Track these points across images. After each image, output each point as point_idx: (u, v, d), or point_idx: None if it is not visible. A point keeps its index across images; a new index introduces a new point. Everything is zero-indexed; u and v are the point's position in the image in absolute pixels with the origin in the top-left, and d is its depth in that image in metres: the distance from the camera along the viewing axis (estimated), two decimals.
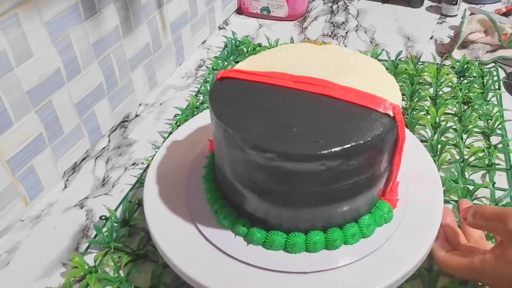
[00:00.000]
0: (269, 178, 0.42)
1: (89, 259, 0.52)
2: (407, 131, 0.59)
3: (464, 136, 0.67)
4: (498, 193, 0.59)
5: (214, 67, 0.85)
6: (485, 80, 0.78)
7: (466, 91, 0.75)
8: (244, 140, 0.40)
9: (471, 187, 0.58)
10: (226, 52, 0.89)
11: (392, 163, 0.45)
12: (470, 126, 0.68)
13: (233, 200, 0.48)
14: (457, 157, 0.64)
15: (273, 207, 0.44)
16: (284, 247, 0.45)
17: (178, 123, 0.71)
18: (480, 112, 0.71)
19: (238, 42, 0.91)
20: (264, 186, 0.43)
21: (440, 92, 0.76)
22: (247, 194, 0.45)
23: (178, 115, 0.74)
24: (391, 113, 0.42)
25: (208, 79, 0.81)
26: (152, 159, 0.56)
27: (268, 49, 0.63)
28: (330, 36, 0.96)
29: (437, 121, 0.69)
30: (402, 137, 0.43)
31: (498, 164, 0.63)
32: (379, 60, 0.84)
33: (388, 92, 0.44)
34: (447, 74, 0.79)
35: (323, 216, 0.45)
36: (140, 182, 0.62)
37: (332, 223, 0.45)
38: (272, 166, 0.40)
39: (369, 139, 0.40)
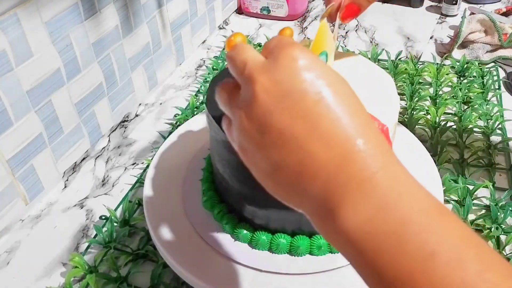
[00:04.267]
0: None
1: (89, 259, 0.52)
2: (407, 131, 0.59)
3: (464, 136, 0.67)
4: (498, 193, 0.59)
5: (214, 67, 0.85)
6: (485, 80, 0.78)
7: (466, 91, 0.75)
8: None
9: (471, 187, 0.58)
10: (226, 52, 0.89)
11: None
12: (470, 126, 0.68)
13: (232, 204, 0.48)
14: (457, 157, 0.64)
15: (275, 211, 0.44)
16: (288, 249, 0.45)
17: (178, 123, 0.71)
18: (480, 112, 0.71)
19: None
20: (262, 189, 0.43)
21: (440, 92, 0.76)
22: (245, 197, 0.45)
23: (178, 115, 0.74)
24: None
25: (208, 79, 0.81)
26: (152, 159, 0.56)
27: None
28: None
29: (437, 121, 0.69)
30: None
31: (498, 164, 0.63)
32: (379, 60, 0.84)
33: (385, 110, 0.43)
34: (447, 74, 0.79)
35: None
36: (140, 182, 0.62)
37: None
38: None
39: None
